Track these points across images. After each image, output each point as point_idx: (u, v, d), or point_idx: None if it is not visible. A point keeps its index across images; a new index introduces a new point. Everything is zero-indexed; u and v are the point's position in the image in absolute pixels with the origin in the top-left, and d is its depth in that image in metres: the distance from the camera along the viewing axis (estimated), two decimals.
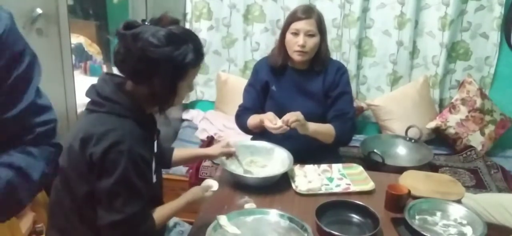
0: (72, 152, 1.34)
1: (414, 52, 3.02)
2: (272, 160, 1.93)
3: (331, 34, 2.93)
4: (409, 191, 1.69)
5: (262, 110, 2.19)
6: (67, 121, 2.46)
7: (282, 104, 2.11)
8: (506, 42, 2.92)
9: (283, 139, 1.97)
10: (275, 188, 1.77)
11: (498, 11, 2.84)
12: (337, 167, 1.96)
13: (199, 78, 3.26)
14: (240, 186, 1.77)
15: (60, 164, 1.39)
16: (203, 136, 3.01)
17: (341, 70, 2.17)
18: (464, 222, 1.60)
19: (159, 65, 1.30)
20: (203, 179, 2.13)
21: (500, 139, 2.93)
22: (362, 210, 1.62)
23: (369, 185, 1.83)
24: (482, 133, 2.87)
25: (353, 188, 1.82)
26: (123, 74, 1.40)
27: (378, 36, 3.01)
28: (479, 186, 2.55)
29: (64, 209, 1.41)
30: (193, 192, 1.56)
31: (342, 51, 3.03)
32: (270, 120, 1.94)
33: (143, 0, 2.43)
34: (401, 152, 2.73)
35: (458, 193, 1.77)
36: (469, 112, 2.87)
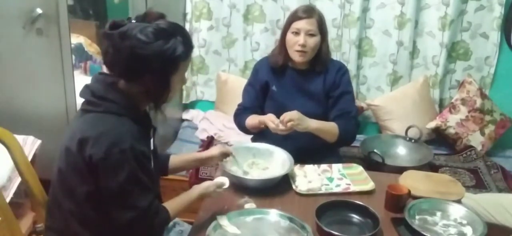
0: (69, 154, 1.34)
1: (414, 52, 3.02)
2: (273, 162, 1.93)
3: (331, 34, 2.91)
4: (409, 191, 1.69)
5: (261, 110, 2.19)
6: (67, 121, 2.46)
7: (282, 104, 2.11)
8: (506, 42, 2.92)
9: (283, 139, 1.97)
10: (275, 188, 1.77)
11: (498, 11, 2.84)
12: (337, 167, 1.96)
13: (199, 78, 3.26)
14: (240, 186, 1.76)
15: (58, 166, 1.39)
16: (203, 136, 3.01)
17: (342, 70, 2.17)
18: (464, 222, 1.60)
19: (150, 62, 1.30)
20: (203, 179, 2.13)
21: (500, 139, 2.93)
22: (362, 210, 1.62)
23: (369, 185, 1.82)
24: (482, 133, 2.87)
25: (353, 188, 1.82)
26: (114, 74, 1.38)
27: (378, 36, 3.00)
28: (479, 186, 2.55)
29: (63, 211, 1.40)
30: (206, 186, 1.56)
31: (342, 51, 3.03)
32: (272, 122, 1.95)
33: (143, 0, 2.42)
34: (401, 152, 2.72)
35: (458, 193, 1.77)
36: (469, 112, 2.87)
